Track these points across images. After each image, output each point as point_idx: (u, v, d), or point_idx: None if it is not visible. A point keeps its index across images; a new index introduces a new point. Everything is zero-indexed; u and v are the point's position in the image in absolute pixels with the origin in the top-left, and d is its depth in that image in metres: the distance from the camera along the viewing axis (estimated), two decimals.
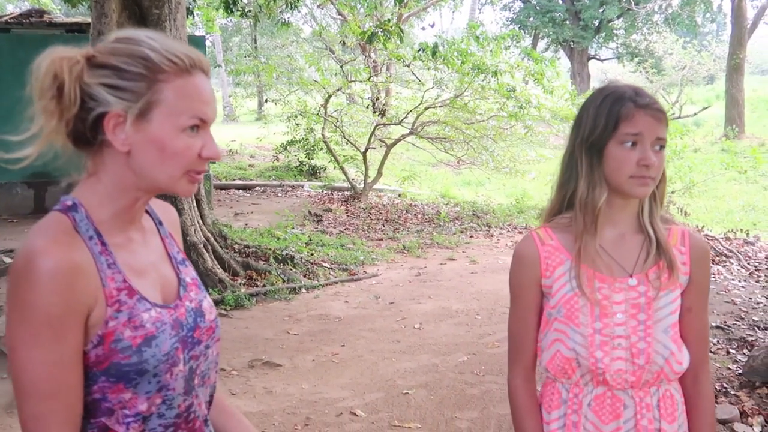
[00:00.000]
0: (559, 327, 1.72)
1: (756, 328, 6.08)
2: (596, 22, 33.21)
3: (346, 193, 14.00)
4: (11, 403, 4.29)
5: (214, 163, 14.86)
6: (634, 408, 1.68)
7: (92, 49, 1.25)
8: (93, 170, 1.28)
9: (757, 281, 7.81)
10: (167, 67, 1.24)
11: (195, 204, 7.36)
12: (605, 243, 1.72)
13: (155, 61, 1.23)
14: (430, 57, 11.05)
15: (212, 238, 7.42)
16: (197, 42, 10.89)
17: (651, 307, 1.68)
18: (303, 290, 7.27)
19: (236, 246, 7.91)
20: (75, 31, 11.05)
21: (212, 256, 7.17)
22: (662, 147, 1.65)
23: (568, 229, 1.75)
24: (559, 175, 1.80)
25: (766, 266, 8.50)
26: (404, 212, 12.65)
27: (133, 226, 1.36)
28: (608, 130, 1.66)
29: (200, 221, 7.35)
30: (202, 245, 7.08)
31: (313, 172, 16.47)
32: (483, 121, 13.02)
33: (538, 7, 33.68)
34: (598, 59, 38.45)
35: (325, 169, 16.53)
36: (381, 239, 10.28)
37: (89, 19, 8.11)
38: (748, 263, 8.57)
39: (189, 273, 1.46)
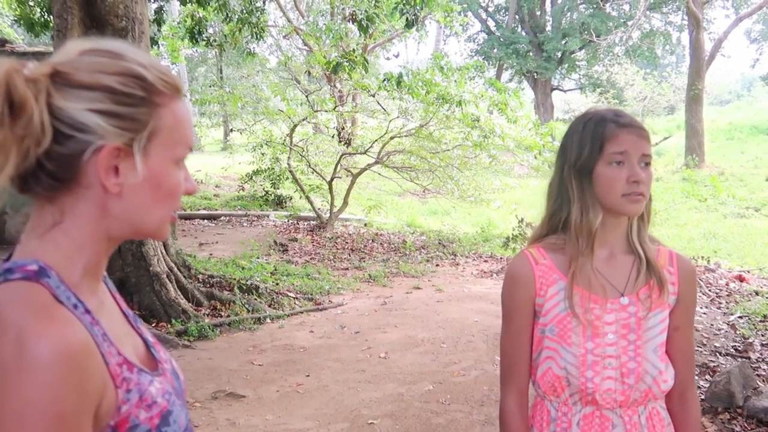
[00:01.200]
0: (551, 345, 1.74)
1: (718, 354, 6.14)
2: (559, 54, 33.80)
3: (311, 222, 13.97)
4: None
5: None
6: (624, 427, 1.71)
7: (54, 64, 0.99)
8: (57, 219, 1.02)
9: (719, 308, 7.91)
10: (163, 88, 1.05)
11: None
12: (597, 263, 1.75)
13: (151, 80, 1.03)
14: (395, 87, 11.13)
15: (176, 268, 7.34)
16: None
17: (641, 327, 1.71)
18: (268, 320, 7.21)
19: (200, 276, 7.83)
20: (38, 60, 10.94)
21: (175, 286, 7.09)
22: (648, 163, 1.69)
23: (561, 251, 1.77)
24: (548, 203, 1.82)
25: (727, 293, 8.62)
26: (370, 241, 12.65)
27: (99, 284, 1.12)
28: (595, 152, 1.69)
29: (163, 251, 7.27)
30: (165, 275, 6.99)
31: (279, 202, 16.43)
32: (448, 150, 13.12)
33: (501, 39, 34.18)
34: (561, 90, 39.10)
35: (291, 198, 16.50)
36: (347, 268, 10.26)
37: (52, 49, 8.05)
38: (710, 290, 8.69)
39: (145, 330, 1.24)
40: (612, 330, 1.71)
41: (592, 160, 1.70)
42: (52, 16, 7.49)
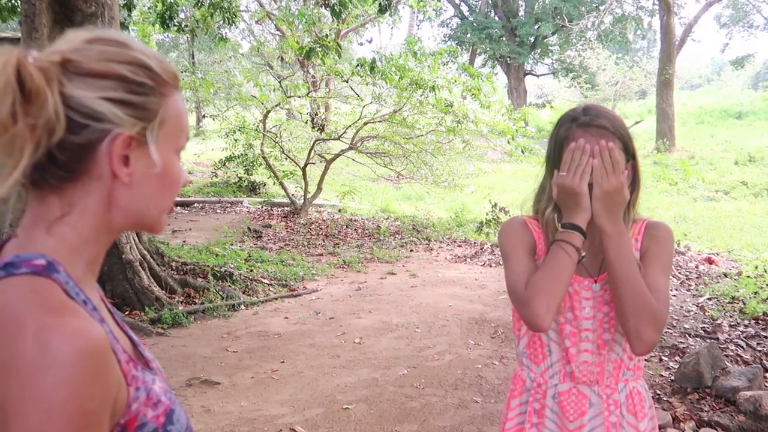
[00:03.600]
0: None
1: (687, 335, 6.24)
2: (532, 39, 33.89)
3: (285, 208, 13.94)
4: None
5: None
6: (602, 405, 1.77)
7: (63, 52, 0.96)
8: (65, 211, 0.99)
9: (688, 290, 8.03)
10: (167, 77, 1.04)
11: None
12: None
13: (157, 70, 1.02)
14: (368, 72, 11.11)
15: (148, 256, 7.30)
16: None
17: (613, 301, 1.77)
18: (242, 307, 7.20)
19: (173, 263, 7.80)
20: None
21: (149, 274, 7.05)
22: None
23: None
24: (537, 191, 1.89)
25: (696, 275, 8.75)
26: (344, 227, 12.65)
27: (95, 280, 1.08)
28: (557, 151, 1.77)
29: (136, 239, 7.23)
30: (138, 263, 6.95)
31: (253, 188, 16.37)
32: (422, 135, 13.14)
33: (475, 24, 34.20)
34: (534, 75, 39.27)
35: (265, 184, 16.44)
36: (321, 254, 10.26)
37: (19, 35, 7.94)
38: (680, 272, 8.82)
39: (129, 329, 1.17)
40: (590, 305, 1.79)
41: (556, 158, 1.77)
42: (19, 1, 7.38)
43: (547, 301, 1.67)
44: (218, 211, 13.81)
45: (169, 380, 4.95)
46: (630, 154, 1.76)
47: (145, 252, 7.29)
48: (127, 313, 6.65)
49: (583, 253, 1.74)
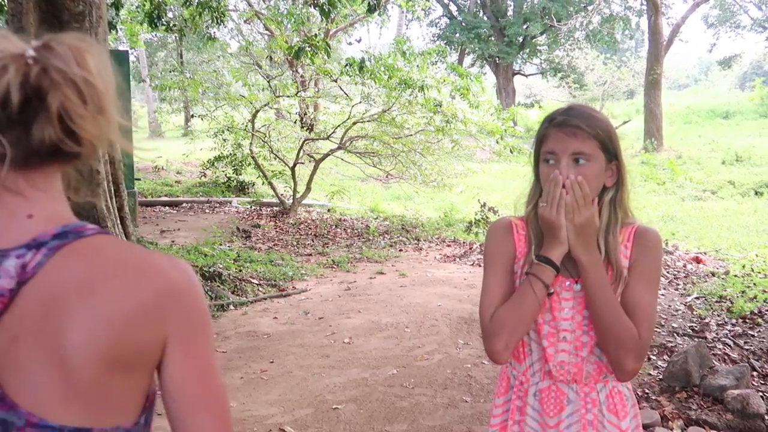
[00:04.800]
0: None
1: (675, 334, 6.27)
2: (520, 39, 33.97)
3: (275, 208, 13.92)
4: None
5: (139, 179, 14.58)
6: (579, 402, 1.77)
7: None
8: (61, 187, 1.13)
9: (676, 289, 8.07)
10: None
11: (119, 221, 7.20)
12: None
13: None
14: (357, 72, 11.11)
15: None
16: (120, 57, 10.66)
17: None
18: (231, 307, 7.18)
19: None
20: None
21: None
22: (584, 160, 1.71)
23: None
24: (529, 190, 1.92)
25: (684, 274, 8.79)
26: (333, 227, 12.64)
27: None
28: (536, 151, 1.80)
29: (124, 239, 7.20)
30: None
31: (242, 188, 16.32)
32: (410, 135, 13.15)
33: (463, 24, 34.24)
34: (522, 74, 39.34)
35: (254, 184, 16.40)
36: (310, 254, 10.25)
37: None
38: (668, 272, 8.85)
39: None
40: (569, 306, 1.79)
41: (536, 158, 1.81)
42: (5, 0, 7.33)
43: (507, 339, 1.74)
44: (207, 211, 13.77)
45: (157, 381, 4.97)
46: (612, 154, 1.76)
47: None
48: None
49: (552, 290, 1.76)
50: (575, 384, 1.78)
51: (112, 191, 7.19)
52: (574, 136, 1.71)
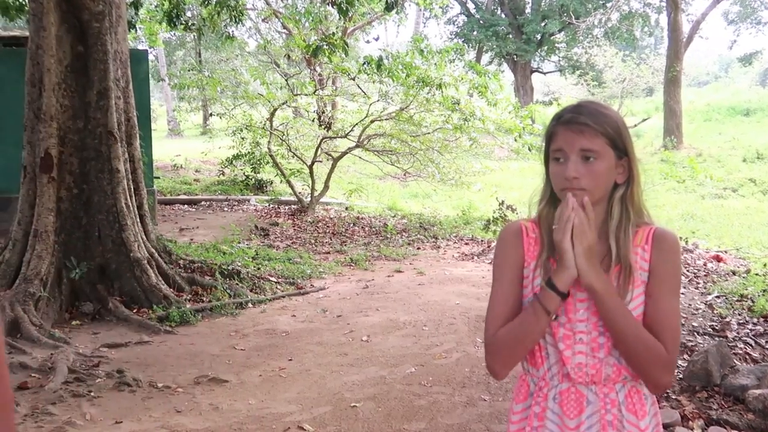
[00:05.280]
0: None
1: (696, 333, 6.22)
2: (538, 36, 33.81)
3: (293, 206, 13.95)
4: None
5: (158, 178, 14.67)
6: (598, 403, 1.76)
7: None
8: None
9: (696, 288, 8.01)
10: None
11: (138, 220, 7.26)
12: None
13: None
14: (375, 70, 11.10)
15: (156, 254, 7.31)
16: (139, 56, 10.72)
17: None
18: (249, 305, 7.21)
19: (181, 261, 7.81)
20: (13, 45, 10.82)
21: (156, 272, 7.07)
22: (593, 158, 1.70)
23: None
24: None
25: (704, 273, 8.72)
26: (351, 225, 12.65)
27: None
28: (546, 150, 1.80)
29: (144, 237, 7.24)
30: (146, 261, 6.97)
31: (260, 186, 16.37)
32: (428, 133, 13.13)
33: (481, 21, 34.11)
34: (540, 72, 39.15)
35: (272, 182, 16.45)
36: (328, 252, 10.26)
37: (27, 33, 7.97)
38: (688, 270, 8.78)
39: None
40: (584, 307, 1.76)
41: (546, 157, 1.80)
42: (27, 0, 7.39)
43: (505, 361, 1.80)
44: (225, 209, 13.82)
45: (177, 378, 5.00)
46: (621, 151, 1.74)
47: (153, 250, 7.30)
48: (135, 311, 6.68)
49: (555, 316, 1.74)
50: (594, 385, 1.76)
51: (132, 190, 7.24)
52: (581, 134, 1.70)
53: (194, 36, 24.07)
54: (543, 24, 32.93)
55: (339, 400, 4.76)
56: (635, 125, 27.45)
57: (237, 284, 7.59)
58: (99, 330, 6.33)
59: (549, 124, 1.80)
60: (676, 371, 5.21)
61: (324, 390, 4.96)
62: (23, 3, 9.23)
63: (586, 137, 1.70)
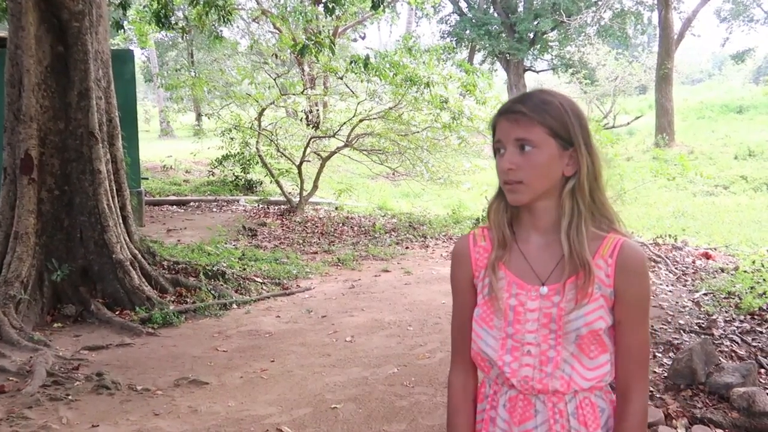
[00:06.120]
0: (476, 327, 1.74)
1: (682, 331, 6.18)
2: (531, 35, 33.74)
3: (282, 206, 13.88)
4: None
5: (147, 179, 14.59)
6: (547, 413, 1.67)
7: None
8: None
9: (684, 285, 7.97)
10: None
11: (121, 221, 7.19)
12: (530, 249, 1.71)
13: None
14: (362, 69, 11.04)
15: (140, 255, 7.25)
16: (125, 56, 10.65)
17: (561, 318, 1.64)
18: (234, 306, 7.14)
19: (165, 263, 7.75)
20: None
21: (139, 273, 7.00)
22: (529, 147, 1.62)
23: None
24: None
25: (692, 270, 8.69)
26: (340, 225, 12.59)
27: None
28: (493, 143, 1.71)
29: (127, 238, 7.18)
30: (128, 263, 6.90)
31: (249, 187, 16.31)
32: (417, 132, 13.07)
33: (473, 20, 34.05)
34: (533, 71, 39.09)
35: (261, 183, 16.39)
36: (316, 252, 10.21)
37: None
38: (676, 268, 8.75)
39: None
40: (534, 317, 1.66)
41: (494, 152, 1.71)
42: (5, 0, 7.32)
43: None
44: (214, 209, 13.76)
45: (156, 380, 4.94)
46: (566, 141, 1.63)
47: (136, 251, 7.24)
48: (117, 313, 6.61)
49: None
50: (543, 395, 1.67)
51: (114, 191, 7.18)
52: (516, 123, 1.62)
53: (185, 36, 23.93)
54: (535, 22, 32.86)
55: (320, 402, 4.71)
56: (628, 123, 27.50)
57: (222, 285, 7.53)
58: (80, 332, 6.26)
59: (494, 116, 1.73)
60: (660, 369, 5.18)
61: (305, 391, 4.91)
62: (2, 3, 9.14)
63: (521, 126, 1.62)
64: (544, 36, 34.21)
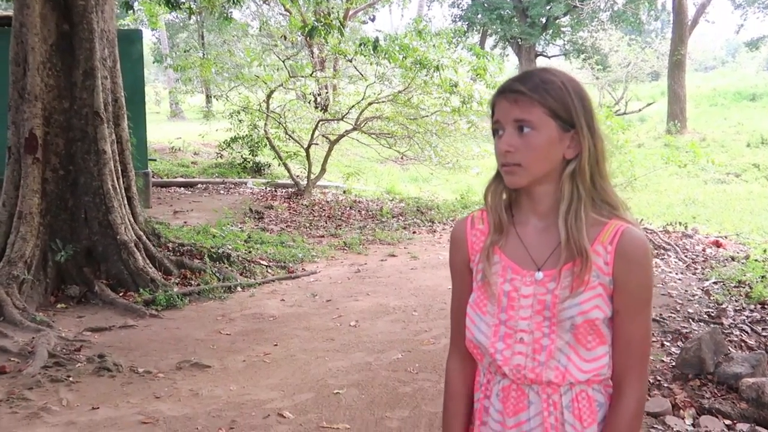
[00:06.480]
0: (470, 312, 1.67)
1: (691, 320, 6.10)
2: (543, 20, 33.48)
3: (289, 190, 13.82)
4: None
5: (155, 160, 14.56)
6: (541, 404, 1.59)
7: None
8: None
9: (694, 273, 7.87)
10: None
11: (126, 202, 7.15)
12: (528, 234, 1.64)
13: None
14: (372, 52, 10.93)
15: (144, 237, 7.21)
16: (133, 36, 10.59)
17: (556, 305, 1.56)
18: (239, 289, 7.10)
19: (170, 244, 7.70)
20: (6, 25, 10.66)
21: (144, 255, 6.96)
22: (528, 129, 1.54)
23: None
24: None
25: (702, 258, 8.59)
26: (348, 209, 12.53)
27: None
28: (492, 125, 1.63)
29: (131, 219, 7.13)
30: (133, 244, 6.86)
31: (257, 169, 16.25)
32: (427, 116, 12.97)
33: (486, 4, 33.81)
34: (545, 56, 38.81)
35: (269, 165, 16.33)
36: (322, 236, 10.15)
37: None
38: (686, 256, 8.65)
39: None
40: (528, 303, 1.59)
41: (493, 133, 1.63)
42: None
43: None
44: (222, 192, 13.70)
45: (158, 363, 4.90)
46: (567, 122, 1.55)
47: (141, 233, 7.20)
48: (121, 294, 6.58)
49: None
50: (537, 385, 1.60)
51: (119, 171, 7.13)
52: (515, 103, 1.54)
53: (197, 18, 23.81)
54: (548, 7, 32.57)
55: (322, 387, 4.66)
56: (640, 110, 27.27)
57: (226, 268, 7.48)
58: (84, 313, 6.24)
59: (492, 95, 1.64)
60: (668, 358, 5.10)
61: (307, 376, 4.86)
62: None
63: (519, 106, 1.53)
64: (557, 21, 33.95)
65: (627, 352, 1.61)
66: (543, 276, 1.59)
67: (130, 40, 10.23)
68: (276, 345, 5.52)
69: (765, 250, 8.97)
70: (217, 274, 7.22)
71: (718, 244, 9.44)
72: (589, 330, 1.57)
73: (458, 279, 1.77)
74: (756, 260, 8.32)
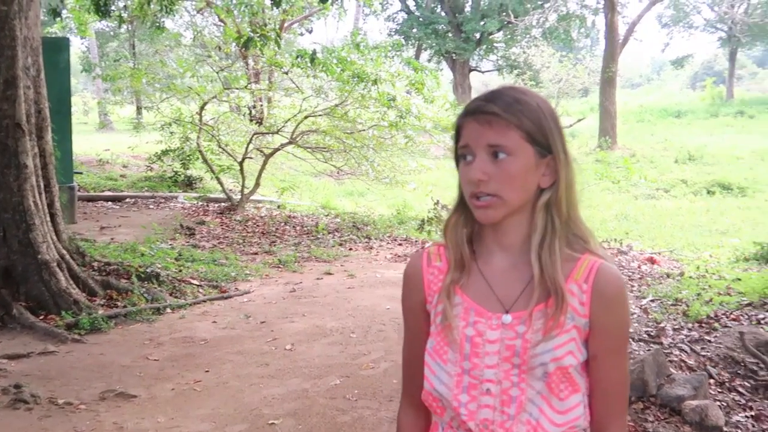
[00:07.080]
0: (428, 361, 1.49)
1: (631, 339, 6.05)
2: (477, 35, 33.90)
3: (222, 204, 13.49)
4: None
5: (81, 173, 14.05)
6: None
7: None
8: None
9: (631, 291, 7.88)
10: None
11: (49, 219, 6.77)
12: (492, 271, 1.47)
13: None
14: (309, 64, 10.73)
15: (68, 256, 6.83)
16: (59, 44, 10.17)
17: (527, 351, 1.39)
18: (168, 310, 6.79)
19: (96, 263, 7.34)
20: None
21: (67, 275, 6.59)
22: (504, 155, 1.38)
23: None
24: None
25: (639, 276, 8.63)
26: (282, 224, 12.27)
27: None
28: (455, 144, 1.46)
29: (54, 237, 6.76)
30: (55, 264, 6.49)
31: (189, 183, 15.84)
32: (363, 130, 12.84)
33: (421, 19, 34.07)
34: (479, 71, 39.31)
35: (202, 179, 15.95)
36: (256, 253, 9.88)
37: None
38: (623, 273, 8.68)
39: None
40: (494, 350, 1.42)
41: (456, 158, 1.46)
42: None
43: None
44: (151, 206, 13.27)
45: (80, 393, 4.57)
46: (544, 147, 1.40)
47: (64, 252, 6.82)
48: (42, 317, 6.20)
49: None
50: None
51: (42, 186, 6.76)
52: (489, 125, 1.38)
53: (128, 27, 23.24)
54: (482, 23, 33.00)
55: (256, 417, 4.42)
56: (571, 125, 27.70)
57: (155, 288, 7.15)
58: (0, 339, 5.85)
59: (458, 117, 1.47)
60: None
61: (241, 405, 4.62)
62: None
63: (494, 130, 1.37)
64: (491, 36, 34.43)
65: (607, 399, 1.46)
66: (512, 319, 1.42)
67: (57, 48, 9.83)
68: (207, 371, 5.26)
69: (698, 267, 9.09)
70: (146, 295, 6.89)
71: (652, 261, 9.52)
72: (562, 378, 1.40)
73: (412, 322, 1.58)
74: (690, 277, 8.40)
